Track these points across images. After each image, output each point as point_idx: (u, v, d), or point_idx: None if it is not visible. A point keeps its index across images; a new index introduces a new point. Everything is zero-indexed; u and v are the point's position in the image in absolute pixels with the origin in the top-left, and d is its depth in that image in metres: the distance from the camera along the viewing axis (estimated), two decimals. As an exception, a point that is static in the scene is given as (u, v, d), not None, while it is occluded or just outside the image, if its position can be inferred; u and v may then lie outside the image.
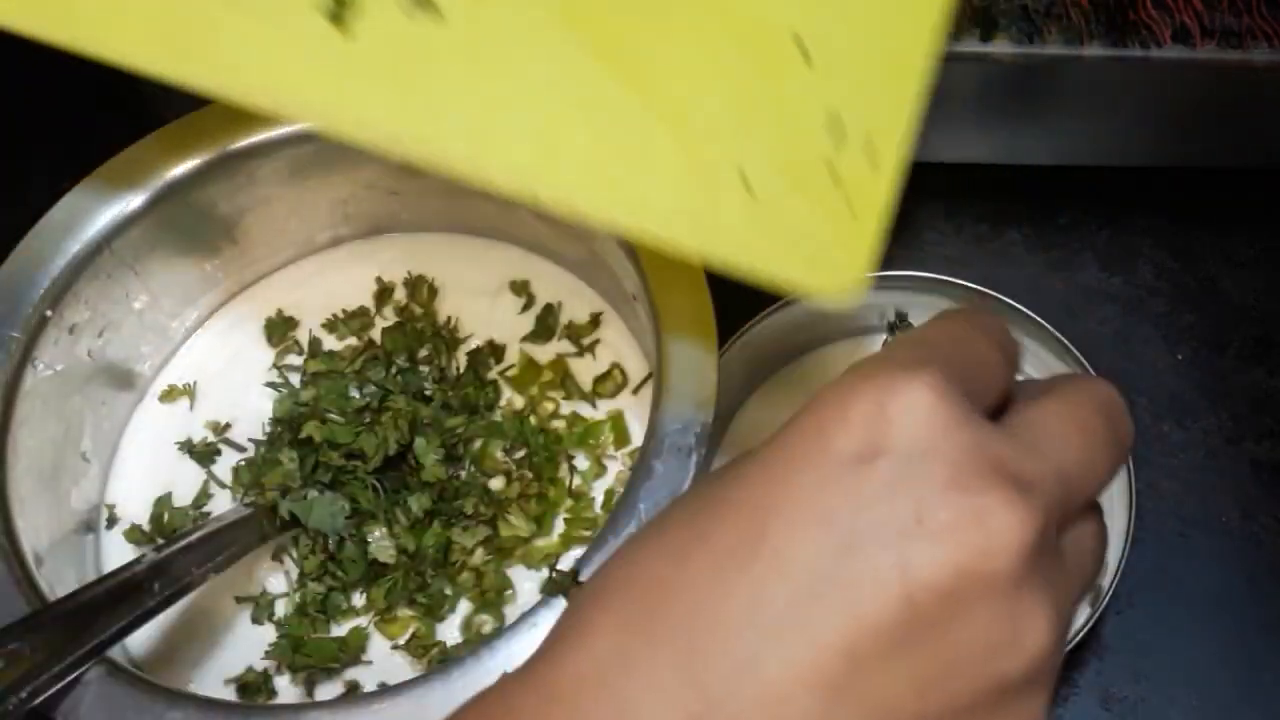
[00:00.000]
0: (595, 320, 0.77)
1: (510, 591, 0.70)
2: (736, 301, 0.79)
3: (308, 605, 0.69)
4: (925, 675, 0.35)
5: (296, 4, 0.40)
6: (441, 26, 0.41)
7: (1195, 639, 0.75)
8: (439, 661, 0.67)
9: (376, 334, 0.77)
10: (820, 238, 0.43)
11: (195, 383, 0.77)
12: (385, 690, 0.58)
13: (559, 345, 0.77)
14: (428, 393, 0.74)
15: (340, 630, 0.69)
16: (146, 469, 0.74)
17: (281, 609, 0.70)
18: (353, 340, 0.78)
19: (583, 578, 0.59)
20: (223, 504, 0.73)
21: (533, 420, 0.74)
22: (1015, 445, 0.38)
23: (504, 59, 0.41)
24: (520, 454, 0.73)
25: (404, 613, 0.70)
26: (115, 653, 0.61)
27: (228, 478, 0.74)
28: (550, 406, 0.75)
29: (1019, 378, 0.78)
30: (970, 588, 0.35)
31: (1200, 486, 0.79)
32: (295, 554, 0.70)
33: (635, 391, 0.75)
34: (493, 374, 0.76)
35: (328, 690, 0.68)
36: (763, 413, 0.79)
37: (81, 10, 0.40)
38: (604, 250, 0.71)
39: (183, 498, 0.73)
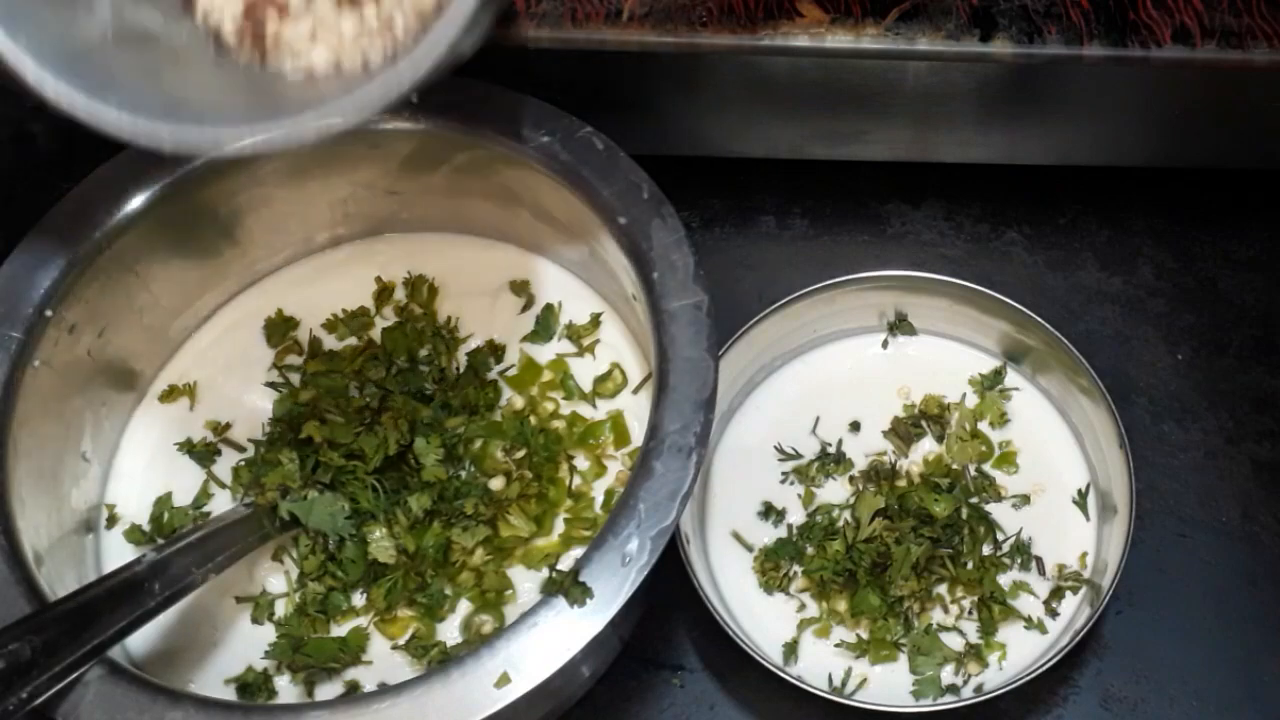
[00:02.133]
0: (595, 320, 0.77)
1: (510, 591, 0.70)
2: (736, 301, 0.79)
3: (308, 605, 0.69)
4: None
5: None
6: None
7: (1195, 639, 0.75)
8: (439, 661, 0.67)
9: (376, 334, 0.77)
10: None
11: (195, 383, 0.77)
12: (385, 690, 0.58)
13: (559, 345, 0.77)
14: (428, 393, 0.74)
15: (340, 630, 0.69)
16: (146, 469, 0.74)
17: (281, 609, 0.70)
18: (353, 340, 0.78)
19: (583, 578, 0.59)
20: (223, 504, 0.73)
21: (533, 420, 0.74)
22: None
23: None
24: (520, 454, 0.73)
25: (404, 613, 0.70)
26: (115, 653, 0.61)
27: (228, 478, 0.74)
28: (550, 406, 0.75)
29: (1022, 379, 0.78)
30: None
31: (1200, 486, 0.79)
32: (295, 554, 0.70)
33: (635, 391, 0.75)
34: (493, 374, 0.76)
35: (328, 690, 0.68)
36: (763, 412, 0.79)
37: None
38: (604, 250, 0.71)
39: (183, 498, 0.73)
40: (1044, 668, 0.68)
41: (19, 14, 0.48)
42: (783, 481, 0.76)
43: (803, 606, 0.73)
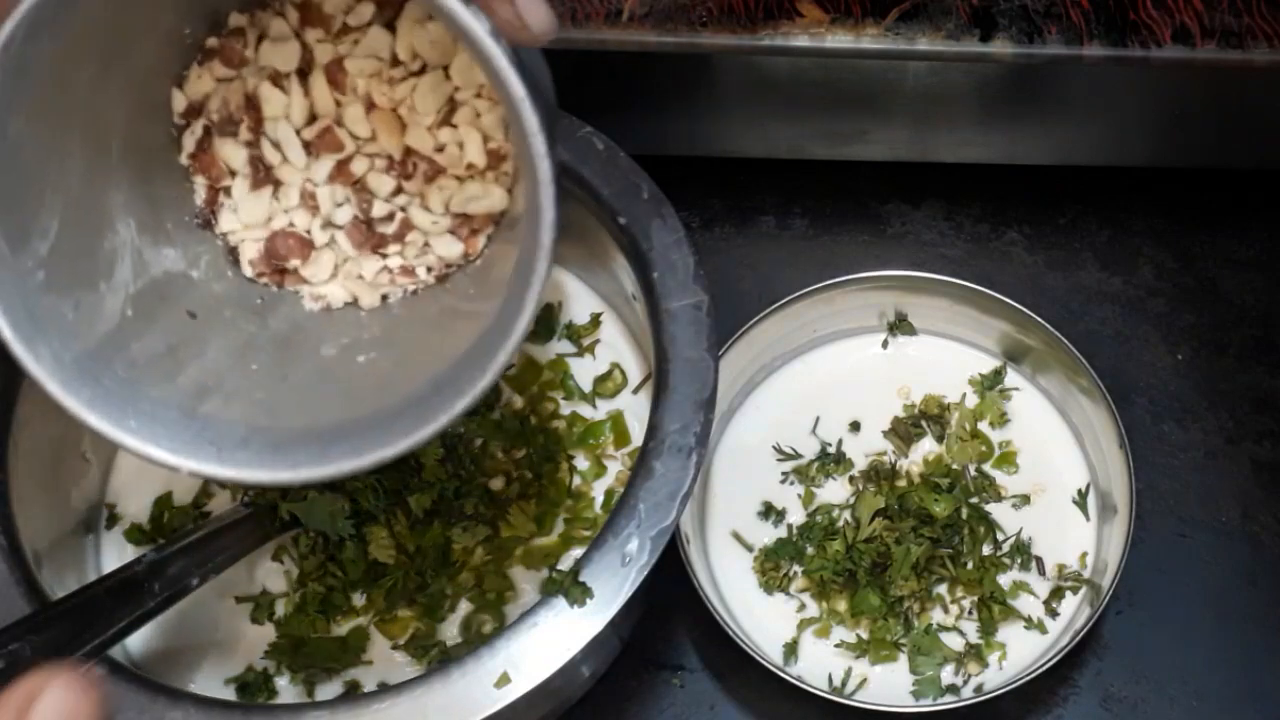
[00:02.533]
0: (595, 320, 0.77)
1: (510, 591, 0.70)
2: (736, 301, 0.79)
3: (308, 605, 0.69)
4: None
5: None
6: None
7: (1195, 639, 0.75)
8: (439, 661, 0.67)
9: (376, 334, 0.77)
10: None
11: (195, 383, 0.76)
12: (385, 690, 0.58)
13: (559, 345, 0.77)
14: (428, 393, 0.74)
15: (340, 630, 0.69)
16: (146, 469, 0.74)
17: (281, 609, 0.70)
18: (353, 340, 0.78)
19: (582, 577, 0.59)
20: (223, 504, 0.73)
21: (533, 420, 0.74)
22: None
23: None
24: (520, 454, 0.73)
25: (404, 613, 0.70)
26: (115, 653, 0.61)
27: (228, 478, 0.74)
28: (550, 406, 0.75)
29: (1022, 379, 0.78)
30: None
31: (1200, 486, 0.79)
32: (295, 554, 0.70)
33: (635, 391, 0.75)
34: (493, 374, 0.76)
35: (328, 690, 0.68)
36: (763, 412, 0.79)
37: None
38: (604, 250, 0.71)
39: (183, 498, 0.73)
40: (1044, 668, 0.68)
41: (39, 323, 0.46)
42: (783, 481, 0.76)
43: (803, 606, 0.73)
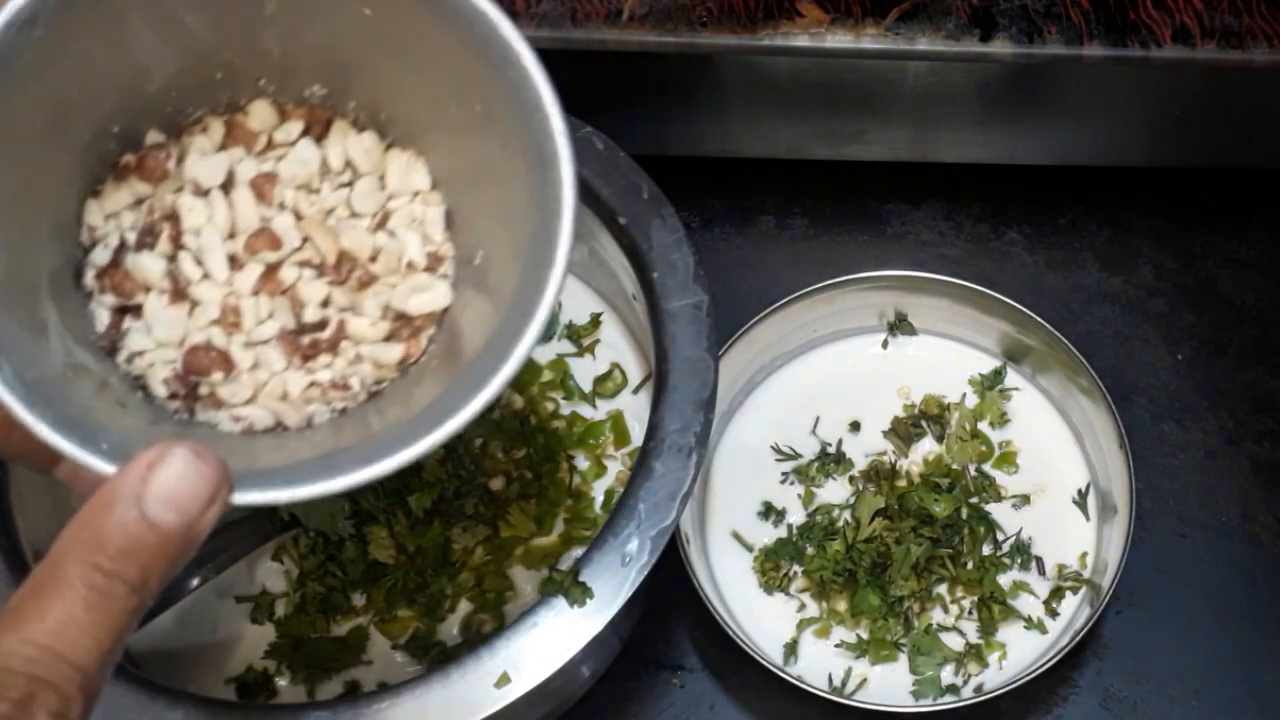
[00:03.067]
0: (595, 320, 0.77)
1: (510, 591, 0.70)
2: (736, 301, 0.79)
3: (308, 605, 0.69)
4: None
5: None
6: None
7: (1195, 639, 0.75)
8: (439, 661, 0.67)
9: (376, 334, 0.77)
10: None
11: (195, 382, 0.76)
12: (385, 690, 0.58)
13: (559, 345, 0.77)
14: (428, 393, 0.74)
15: (340, 630, 0.69)
16: (146, 469, 0.74)
17: (281, 609, 0.70)
18: (353, 340, 0.77)
19: (582, 577, 0.59)
20: (223, 504, 0.73)
21: (533, 420, 0.74)
22: None
23: None
24: (520, 454, 0.73)
25: (404, 613, 0.70)
26: (115, 653, 0.61)
27: (228, 478, 0.73)
28: (550, 406, 0.75)
29: (1022, 379, 0.78)
30: None
31: (1200, 486, 0.79)
32: (295, 554, 0.70)
33: (635, 391, 0.75)
34: (493, 374, 0.75)
35: (328, 690, 0.68)
36: (763, 412, 0.79)
37: None
38: (604, 250, 0.71)
39: (183, 498, 0.73)
40: (1044, 668, 0.68)
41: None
42: (783, 481, 0.76)
43: (803, 606, 0.73)
